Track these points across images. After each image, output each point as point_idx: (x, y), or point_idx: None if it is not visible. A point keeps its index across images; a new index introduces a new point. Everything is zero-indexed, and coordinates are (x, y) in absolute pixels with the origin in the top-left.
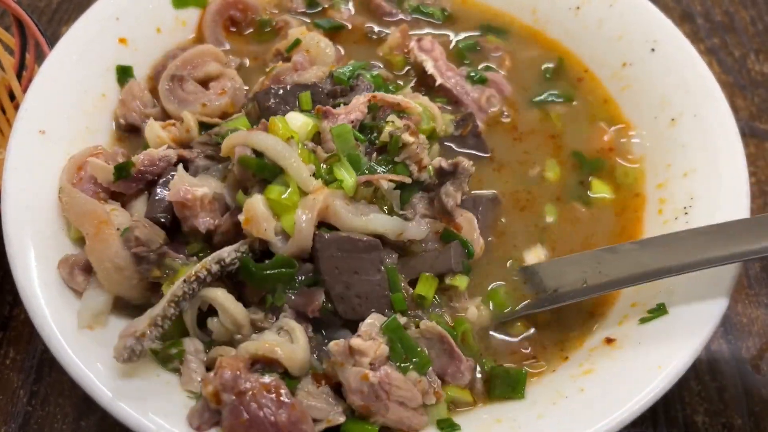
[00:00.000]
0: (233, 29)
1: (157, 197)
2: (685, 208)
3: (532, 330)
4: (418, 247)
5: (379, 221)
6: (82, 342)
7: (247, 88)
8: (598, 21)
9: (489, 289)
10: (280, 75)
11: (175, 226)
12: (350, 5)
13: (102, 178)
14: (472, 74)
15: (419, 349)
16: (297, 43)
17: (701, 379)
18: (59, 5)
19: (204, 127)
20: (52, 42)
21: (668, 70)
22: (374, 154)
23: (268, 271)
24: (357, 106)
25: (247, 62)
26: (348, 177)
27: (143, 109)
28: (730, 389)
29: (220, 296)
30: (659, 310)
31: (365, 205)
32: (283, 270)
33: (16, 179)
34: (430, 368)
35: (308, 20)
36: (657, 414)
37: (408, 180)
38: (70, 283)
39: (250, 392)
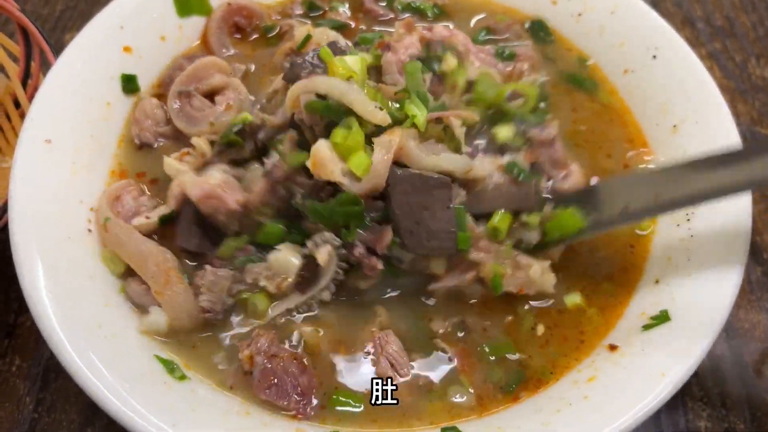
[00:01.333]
0: (238, 35)
1: (180, 228)
2: (687, 214)
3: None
4: (483, 182)
5: (449, 160)
6: (88, 350)
7: (253, 98)
8: (600, 28)
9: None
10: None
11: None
12: (346, 7)
13: (146, 232)
14: (501, 51)
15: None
16: (308, 38)
17: (703, 385)
18: (62, 13)
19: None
20: (57, 50)
21: (670, 77)
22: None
23: (336, 209)
24: (412, 43)
25: (253, 68)
26: (419, 113)
27: (156, 127)
28: (733, 395)
29: None
30: (662, 317)
31: (434, 144)
32: (352, 207)
33: (22, 188)
34: None
35: (309, 23)
36: (660, 420)
37: (476, 118)
38: (139, 300)
39: (280, 357)
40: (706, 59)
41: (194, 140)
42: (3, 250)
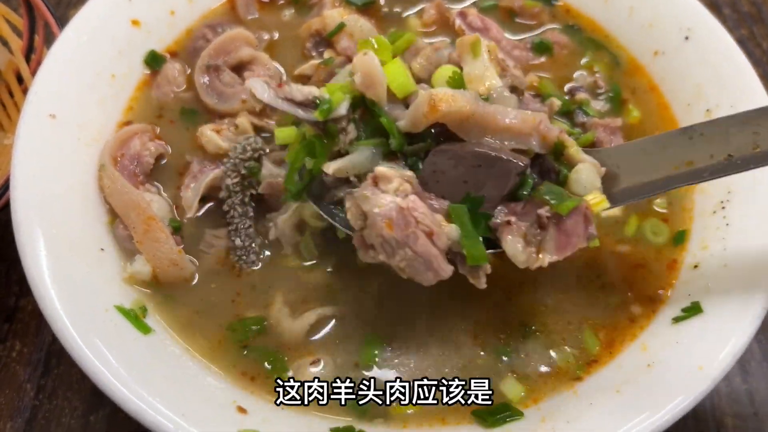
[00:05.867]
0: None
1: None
2: (722, 202)
3: None
4: None
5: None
6: (92, 334)
7: (282, 70)
8: (629, 9)
9: None
10: (335, 70)
11: None
12: None
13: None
14: (537, 41)
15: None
16: (341, 27)
17: (731, 381)
18: None
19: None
20: (62, 25)
21: (703, 60)
22: None
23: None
24: None
25: (276, 35)
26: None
27: (176, 93)
28: (761, 391)
29: None
30: (694, 309)
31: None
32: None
33: (25, 165)
34: None
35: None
36: (686, 416)
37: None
38: (124, 244)
39: None
40: None
41: (240, 120)
42: (3, 230)
